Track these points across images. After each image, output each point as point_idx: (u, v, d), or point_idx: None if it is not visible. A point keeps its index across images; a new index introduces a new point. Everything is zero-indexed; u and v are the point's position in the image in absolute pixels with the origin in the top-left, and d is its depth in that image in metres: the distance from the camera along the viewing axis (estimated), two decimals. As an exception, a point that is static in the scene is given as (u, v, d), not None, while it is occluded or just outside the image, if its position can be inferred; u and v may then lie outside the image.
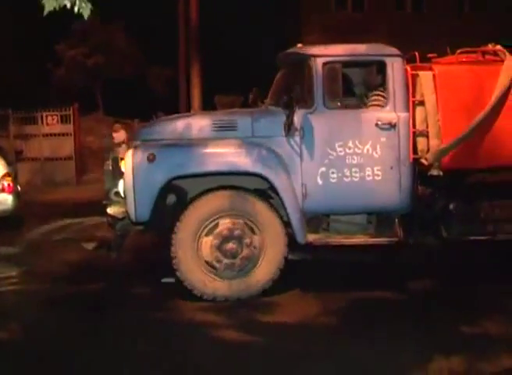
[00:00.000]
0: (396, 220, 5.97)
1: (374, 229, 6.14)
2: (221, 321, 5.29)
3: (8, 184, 8.88)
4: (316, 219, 6.08)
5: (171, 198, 5.99)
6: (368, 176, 5.83)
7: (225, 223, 5.68)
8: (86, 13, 4.36)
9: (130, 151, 5.80)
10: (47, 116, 17.57)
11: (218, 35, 22.64)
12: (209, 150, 5.74)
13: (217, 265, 5.71)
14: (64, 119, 17.63)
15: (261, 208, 5.71)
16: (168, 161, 5.68)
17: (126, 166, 5.73)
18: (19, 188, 10.22)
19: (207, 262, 5.71)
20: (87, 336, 4.92)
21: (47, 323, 5.30)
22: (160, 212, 5.81)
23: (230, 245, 5.67)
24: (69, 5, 4.23)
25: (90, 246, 6.19)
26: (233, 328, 5.10)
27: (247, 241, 5.69)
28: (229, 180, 5.83)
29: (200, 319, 5.34)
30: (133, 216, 5.76)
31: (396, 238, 5.89)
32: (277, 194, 5.71)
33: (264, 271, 5.76)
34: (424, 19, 19.70)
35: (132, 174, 5.67)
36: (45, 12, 4.18)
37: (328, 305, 5.60)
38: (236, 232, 5.67)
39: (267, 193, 5.87)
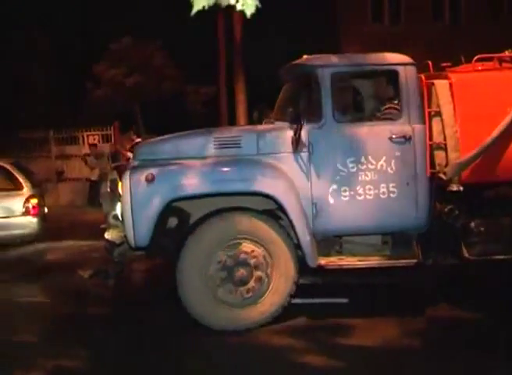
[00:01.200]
0: (414, 240, 5.56)
1: (390, 250, 5.73)
2: (300, 345, 4.99)
3: (33, 207, 8.73)
4: (328, 241, 5.67)
5: (172, 221, 5.65)
6: (383, 193, 5.42)
7: (232, 249, 5.32)
8: (249, 10, 4.03)
9: (128, 172, 5.47)
10: (88, 136, 17.27)
11: (255, 50, 22.45)
12: (212, 169, 5.38)
13: (228, 293, 5.34)
14: (105, 139, 17.37)
15: (268, 230, 5.33)
16: (168, 181, 5.32)
17: (124, 187, 5.38)
18: (46, 210, 10.01)
19: (217, 291, 5.34)
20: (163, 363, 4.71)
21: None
22: (161, 236, 5.47)
23: (240, 272, 5.29)
24: (233, 1, 3.91)
25: (86, 274, 5.83)
26: (315, 352, 4.82)
27: (257, 265, 5.31)
28: (234, 201, 5.46)
29: (277, 342, 5.04)
30: (131, 241, 5.39)
31: (415, 260, 5.45)
32: (286, 214, 5.32)
33: (275, 297, 5.37)
34: (462, 31, 19.26)
35: (130, 196, 5.31)
36: (193, 12, 3.85)
37: (408, 327, 5.25)
38: (245, 257, 5.30)
39: (275, 214, 5.52)
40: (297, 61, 5.93)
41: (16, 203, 8.62)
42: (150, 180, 5.29)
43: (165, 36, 22.91)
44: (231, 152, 5.55)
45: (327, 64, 5.53)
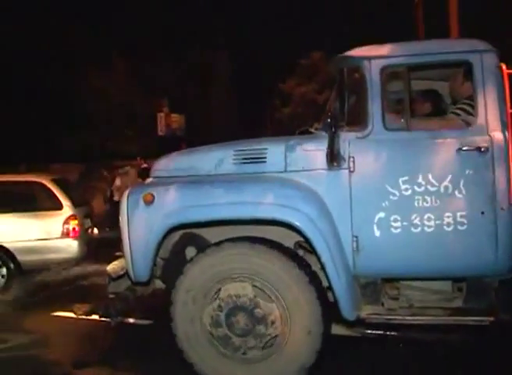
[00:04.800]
0: (492, 289, 4.34)
1: (463, 300, 4.56)
2: None
3: (74, 228, 8.35)
4: (376, 285, 4.60)
5: (191, 252, 4.91)
6: (448, 224, 4.25)
7: (228, 290, 4.44)
8: None
9: (127, 191, 4.81)
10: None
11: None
12: (224, 189, 4.52)
13: (226, 344, 4.47)
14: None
15: (282, 269, 4.35)
16: (169, 203, 4.54)
17: (121, 209, 4.73)
18: (96, 231, 9.78)
19: (214, 340, 4.50)
20: None
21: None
22: (175, 269, 4.75)
23: (238, 319, 4.39)
24: None
25: (79, 311, 5.18)
26: None
27: (262, 313, 4.37)
28: (255, 231, 4.58)
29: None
30: (131, 274, 4.74)
31: (491, 317, 4.23)
32: (314, 250, 4.36)
33: (292, 355, 4.38)
34: None
35: (127, 220, 4.66)
36: None
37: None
38: (244, 302, 4.38)
39: (306, 248, 4.57)
40: (345, 53, 4.95)
41: (55, 224, 8.29)
42: (148, 201, 4.59)
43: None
44: (253, 169, 4.68)
45: (376, 55, 4.50)
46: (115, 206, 14.31)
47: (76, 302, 5.38)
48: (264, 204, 4.32)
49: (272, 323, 4.32)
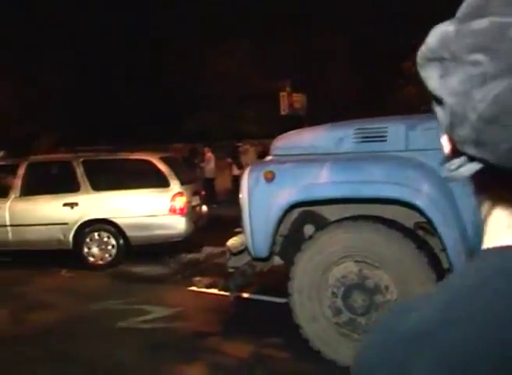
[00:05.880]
0: None
1: None
2: None
3: (180, 205, 8.61)
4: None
5: (309, 230, 5.09)
6: None
7: (334, 275, 4.58)
8: None
9: (248, 168, 5.05)
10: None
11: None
12: (344, 168, 4.66)
13: (354, 328, 4.59)
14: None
15: (396, 251, 4.41)
16: (290, 181, 4.73)
17: (242, 186, 4.97)
18: (205, 209, 10.12)
19: (342, 329, 4.63)
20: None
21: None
22: (296, 245, 4.93)
23: (354, 298, 4.54)
24: None
25: (200, 283, 5.47)
26: None
27: (373, 282, 4.47)
28: (375, 209, 4.71)
29: None
30: (251, 250, 4.97)
31: None
32: (435, 231, 4.42)
33: None
34: None
35: (247, 197, 4.89)
36: None
37: None
38: (353, 279, 4.53)
39: (427, 229, 4.64)
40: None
41: (162, 201, 8.58)
42: (269, 178, 4.80)
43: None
44: (373, 147, 4.78)
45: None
46: (209, 183, 14.87)
47: (199, 276, 5.63)
48: (386, 183, 4.41)
49: (386, 288, 4.42)
